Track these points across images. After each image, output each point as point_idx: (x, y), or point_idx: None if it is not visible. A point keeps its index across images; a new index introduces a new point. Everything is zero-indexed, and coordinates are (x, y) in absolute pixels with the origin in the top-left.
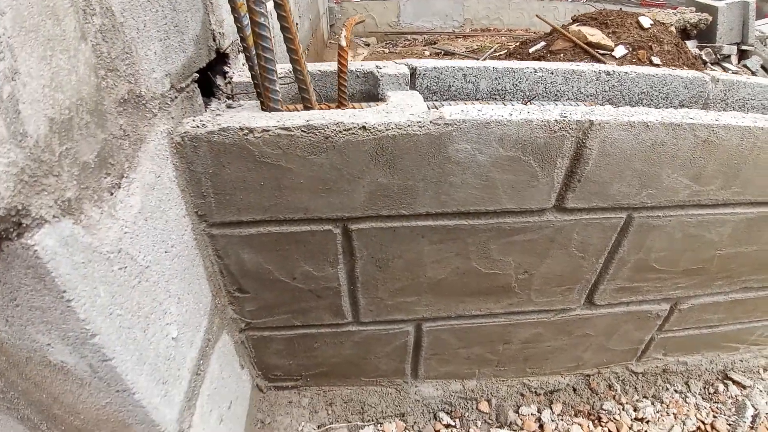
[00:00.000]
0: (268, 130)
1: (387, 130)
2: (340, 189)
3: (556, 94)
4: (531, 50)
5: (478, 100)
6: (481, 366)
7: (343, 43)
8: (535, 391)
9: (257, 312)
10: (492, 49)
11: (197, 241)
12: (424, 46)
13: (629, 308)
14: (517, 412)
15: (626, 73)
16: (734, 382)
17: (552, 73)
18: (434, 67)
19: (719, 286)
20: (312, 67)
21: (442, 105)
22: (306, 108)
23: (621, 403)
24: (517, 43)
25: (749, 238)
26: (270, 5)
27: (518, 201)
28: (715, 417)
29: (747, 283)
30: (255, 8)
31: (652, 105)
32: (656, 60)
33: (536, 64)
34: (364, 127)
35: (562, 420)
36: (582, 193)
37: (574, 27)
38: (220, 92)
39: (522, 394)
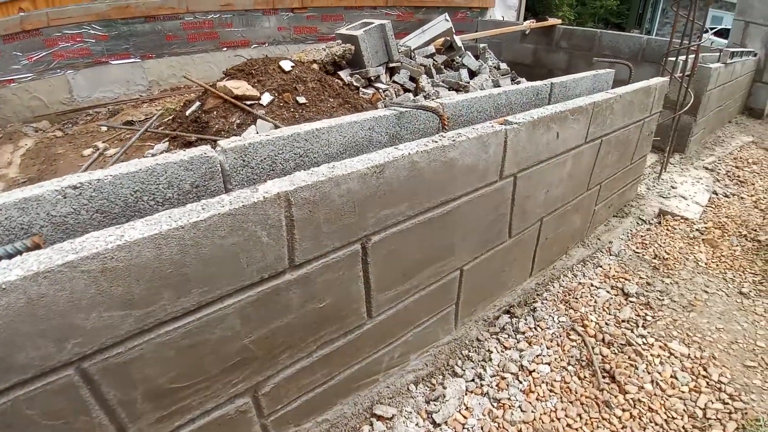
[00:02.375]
0: None
1: None
2: None
3: None
4: (188, 112)
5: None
6: None
7: None
8: None
9: None
10: (157, 115)
11: None
12: (108, 118)
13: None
14: None
15: (99, 180)
16: (378, 417)
17: None
18: None
19: (289, 357)
20: None
21: None
22: None
23: None
24: (180, 105)
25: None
26: None
27: None
28: None
29: (319, 341)
30: None
31: (156, 204)
32: (302, 99)
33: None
34: None
35: None
36: None
37: (221, 83)
38: None
39: None
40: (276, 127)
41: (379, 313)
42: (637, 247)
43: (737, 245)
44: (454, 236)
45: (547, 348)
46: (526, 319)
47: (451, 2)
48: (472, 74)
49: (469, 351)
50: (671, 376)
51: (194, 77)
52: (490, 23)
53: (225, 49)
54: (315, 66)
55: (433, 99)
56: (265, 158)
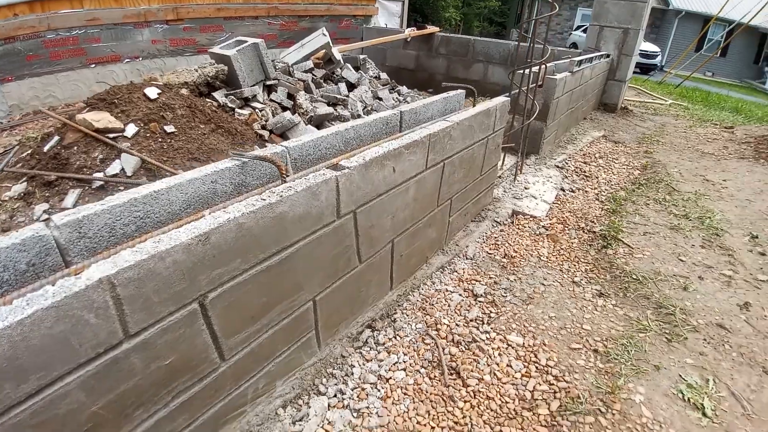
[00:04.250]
0: None
1: None
2: None
3: None
4: (46, 148)
5: None
6: None
7: None
8: None
9: None
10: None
11: None
12: None
13: None
14: None
15: None
16: None
17: None
18: None
19: (145, 411)
20: None
21: None
22: None
23: None
24: (39, 138)
25: None
26: None
27: None
28: None
29: (173, 392)
30: None
31: None
32: (170, 128)
33: None
34: None
35: None
36: None
37: (81, 115)
38: None
39: None
40: (142, 161)
41: (233, 355)
42: (490, 249)
43: (575, 238)
44: (297, 276)
45: (404, 354)
46: (386, 331)
47: (335, 11)
48: (352, 87)
49: (334, 368)
50: (507, 365)
51: (60, 97)
52: (374, 31)
53: (93, 65)
54: (184, 91)
55: (309, 116)
56: (102, 227)
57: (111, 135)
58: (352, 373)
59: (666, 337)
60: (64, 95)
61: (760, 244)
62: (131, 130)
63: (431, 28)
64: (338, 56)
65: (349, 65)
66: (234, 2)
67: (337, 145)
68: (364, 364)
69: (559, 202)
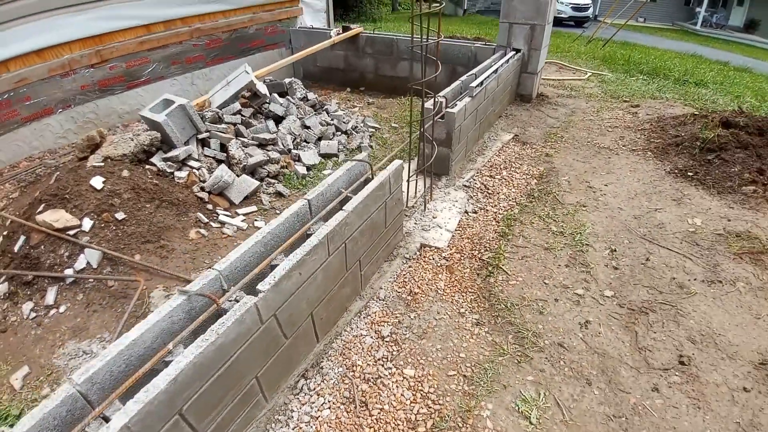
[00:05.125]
0: None
1: None
2: None
3: None
4: (16, 249)
5: None
6: None
7: None
8: None
9: None
10: None
11: None
12: None
13: None
14: None
15: None
16: None
17: None
18: None
19: None
20: None
21: None
22: None
23: None
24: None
25: None
26: None
27: None
28: None
29: None
30: None
31: None
32: (120, 215)
33: None
34: None
35: None
36: None
37: (40, 216)
38: None
39: None
40: (104, 253)
41: (206, 430)
42: (398, 287)
43: (467, 267)
44: (240, 370)
45: (329, 395)
46: (315, 378)
47: (259, 20)
48: (281, 119)
49: (279, 415)
50: (401, 395)
51: (4, 159)
52: (301, 33)
53: (29, 123)
54: (125, 173)
55: (242, 165)
56: (105, 374)
57: (71, 232)
58: (293, 416)
59: (517, 359)
60: (7, 157)
61: (616, 258)
62: (87, 224)
63: (355, 29)
64: (263, 90)
65: (275, 96)
66: (155, 32)
67: (258, 251)
68: (300, 408)
69: (461, 228)
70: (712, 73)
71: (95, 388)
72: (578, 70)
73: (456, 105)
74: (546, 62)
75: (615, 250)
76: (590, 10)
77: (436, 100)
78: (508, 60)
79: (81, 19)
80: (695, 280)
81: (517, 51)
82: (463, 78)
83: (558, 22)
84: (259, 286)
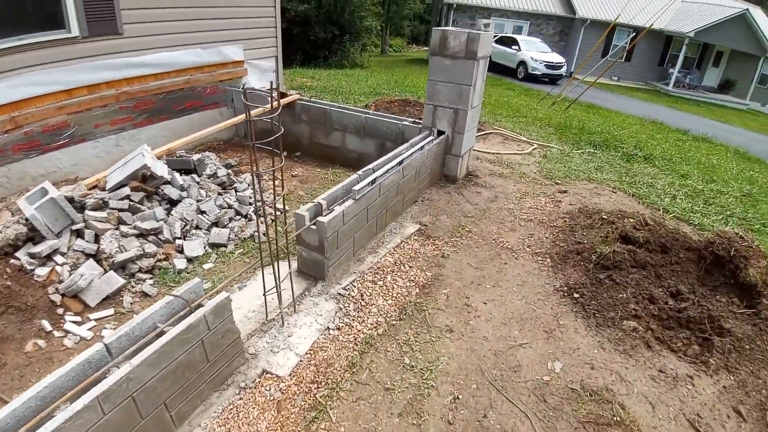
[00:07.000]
0: None
1: None
2: None
3: None
4: None
5: None
6: None
7: None
8: None
9: None
10: None
11: None
12: None
13: None
14: None
15: None
16: None
17: None
18: None
19: None
20: None
21: None
22: None
23: None
24: None
25: None
26: None
27: None
28: None
29: None
30: None
31: None
32: None
33: None
34: None
35: None
36: None
37: None
38: None
39: None
40: None
41: None
42: (218, 426)
43: (298, 406)
44: None
45: None
46: None
47: (197, 81)
48: (176, 203)
49: None
50: None
51: None
52: (242, 94)
53: None
54: None
55: (112, 260)
56: None
57: None
58: None
59: None
60: None
61: (456, 408)
62: None
63: (292, 96)
64: (160, 171)
65: (175, 176)
66: (77, 96)
67: (34, 405)
68: None
69: (312, 351)
70: (666, 145)
71: None
72: (523, 141)
73: (333, 210)
74: (492, 132)
75: (458, 398)
76: (563, 69)
77: (314, 203)
78: (422, 147)
79: None
80: None
81: (441, 133)
82: (360, 172)
83: (533, 78)
84: None
